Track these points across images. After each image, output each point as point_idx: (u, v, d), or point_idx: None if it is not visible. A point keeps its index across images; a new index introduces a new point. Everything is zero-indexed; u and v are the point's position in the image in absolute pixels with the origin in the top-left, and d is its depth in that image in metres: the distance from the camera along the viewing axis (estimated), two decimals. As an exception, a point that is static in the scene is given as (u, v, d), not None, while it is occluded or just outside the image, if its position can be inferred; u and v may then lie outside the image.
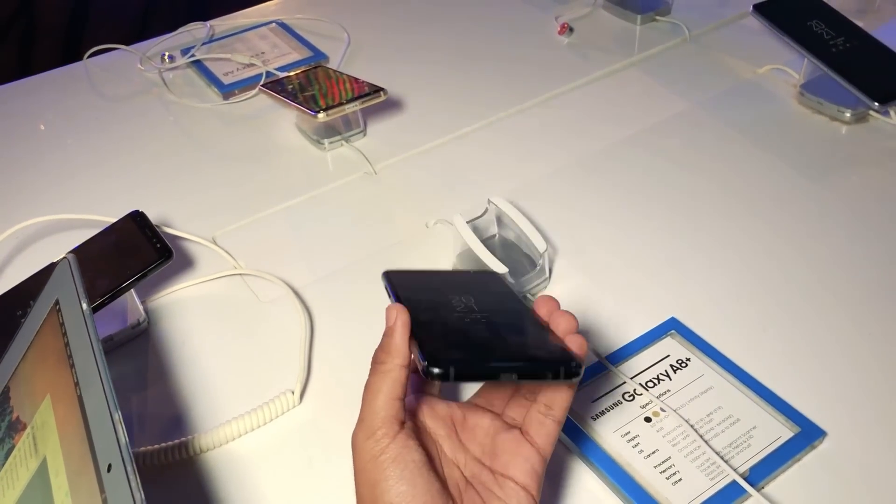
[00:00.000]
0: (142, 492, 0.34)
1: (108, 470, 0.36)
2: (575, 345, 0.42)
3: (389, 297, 0.44)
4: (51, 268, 0.61)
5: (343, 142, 0.84)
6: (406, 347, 0.41)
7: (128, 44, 1.03)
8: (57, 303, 0.45)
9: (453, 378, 0.38)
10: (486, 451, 0.44)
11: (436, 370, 0.37)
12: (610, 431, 0.53)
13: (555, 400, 0.42)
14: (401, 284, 0.45)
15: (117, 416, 0.37)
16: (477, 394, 0.48)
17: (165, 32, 1.06)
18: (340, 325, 0.64)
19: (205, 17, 1.07)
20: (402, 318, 0.42)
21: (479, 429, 0.45)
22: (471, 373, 0.39)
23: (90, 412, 0.39)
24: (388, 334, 0.42)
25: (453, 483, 0.43)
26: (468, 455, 0.44)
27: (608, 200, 0.74)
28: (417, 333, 0.41)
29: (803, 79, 0.86)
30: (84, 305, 0.42)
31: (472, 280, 0.50)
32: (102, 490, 0.36)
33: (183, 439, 0.54)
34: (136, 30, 2.54)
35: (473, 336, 0.41)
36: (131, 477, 0.35)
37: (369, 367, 0.42)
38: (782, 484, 0.50)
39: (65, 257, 0.46)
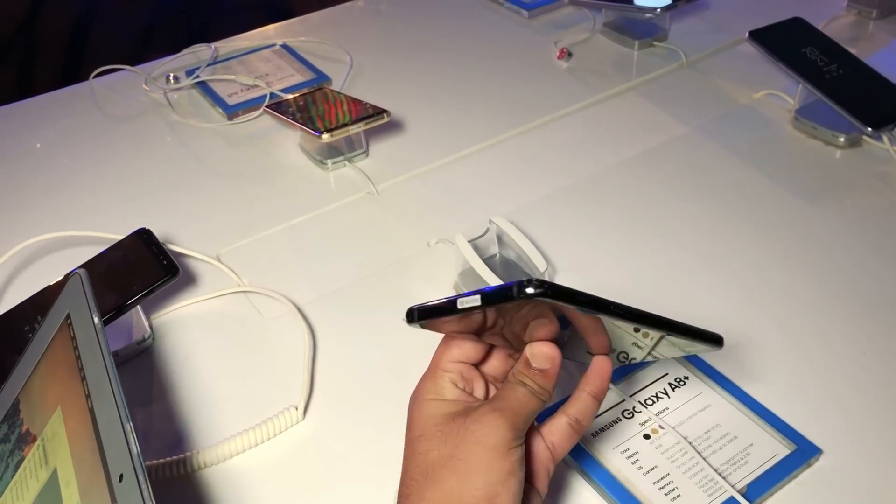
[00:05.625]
0: (153, 501, 0.35)
1: (120, 480, 0.36)
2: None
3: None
4: (59, 284, 0.62)
5: (346, 162, 0.85)
6: None
7: (128, 64, 1.04)
8: (68, 317, 0.46)
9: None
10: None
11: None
12: (610, 448, 0.54)
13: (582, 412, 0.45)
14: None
15: (129, 426, 0.37)
16: None
17: (166, 54, 1.07)
18: (343, 341, 0.65)
19: (205, 38, 1.08)
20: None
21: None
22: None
23: (102, 423, 0.39)
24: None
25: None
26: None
27: (607, 221, 0.76)
28: None
29: (798, 104, 0.87)
30: (96, 318, 0.43)
31: None
32: (114, 500, 0.36)
33: (186, 454, 0.55)
34: (137, 51, 2.56)
35: None
36: (143, 486, 0.35)
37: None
38: (779, 501, 0.51)
39: (76, 272, 0.47)
